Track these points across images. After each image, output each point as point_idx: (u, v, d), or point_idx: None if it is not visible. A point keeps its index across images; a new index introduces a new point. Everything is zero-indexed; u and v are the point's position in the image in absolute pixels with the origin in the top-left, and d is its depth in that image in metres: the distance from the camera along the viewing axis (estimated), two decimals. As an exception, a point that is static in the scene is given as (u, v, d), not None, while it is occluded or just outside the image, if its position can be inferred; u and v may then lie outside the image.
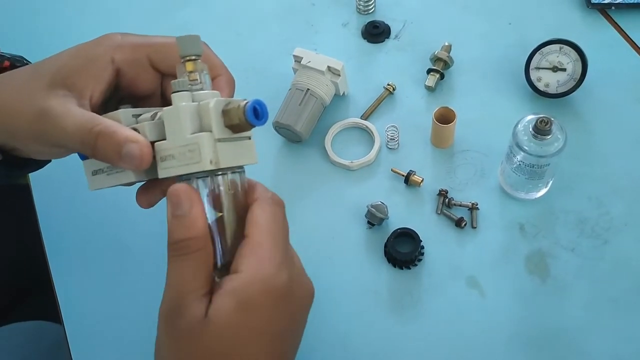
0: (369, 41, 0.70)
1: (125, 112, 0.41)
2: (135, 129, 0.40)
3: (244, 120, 0.37)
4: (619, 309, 0.52)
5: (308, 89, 0.61)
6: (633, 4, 0.67)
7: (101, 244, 0.60)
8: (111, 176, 0.42)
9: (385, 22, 0.70)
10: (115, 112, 0.42)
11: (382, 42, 0.70)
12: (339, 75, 0.62)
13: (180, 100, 0.39)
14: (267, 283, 0.37)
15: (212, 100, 0.38)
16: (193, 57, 0.39)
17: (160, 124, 0.40)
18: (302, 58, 0.62)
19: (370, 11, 0.72)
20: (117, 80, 0.44)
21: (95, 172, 0.43)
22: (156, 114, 0.41)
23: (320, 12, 0.73)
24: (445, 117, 0.59)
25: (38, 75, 0.42)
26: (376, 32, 0.69)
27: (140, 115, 0.42)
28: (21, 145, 0.45)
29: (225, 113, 0.38)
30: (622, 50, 0.66)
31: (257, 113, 0.38)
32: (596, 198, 0.58)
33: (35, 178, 0.63)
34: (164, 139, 0.39)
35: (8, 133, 0.44)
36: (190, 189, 0.37)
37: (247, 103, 0.38)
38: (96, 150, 0.39)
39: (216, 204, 0.39)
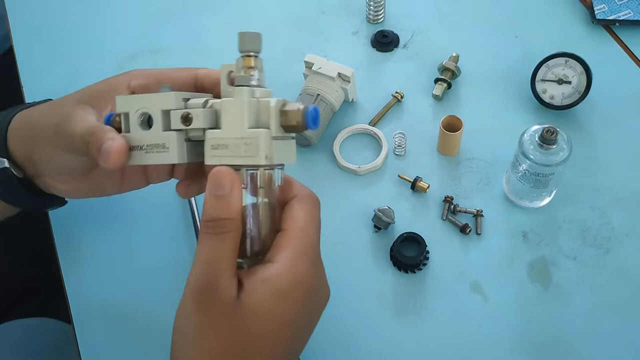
0: (378, 50, 0.71)
1: (177, 95, 0.43)
2: (187, 115, 0.42)
3: (301, 123, 0.40)
4: (619, 316, 0.53)
5: (318, 94, 0.62)
6: (637, 20, 0.69)
7: (111, 242, 0.61)
8: (150, 155, 0.44)
9: (394, 32, 0.72)
10: (166, 93, 0.43)
11: (391, 51, 0.71)
12: (349, 81, 0.63)
13: (242, 95, 0.40)
14: (300, 277, 0.39)
15: (273, 100, 0.40)
16: (252, 54, 0.41)
17: (213, 112, 0.42)
18: (312, 64, 0.64)
19: (379, 21, 0.73)
20: None
21: (132, 148, 0.45)
22: (207, 101, 0.42)
23: (331, 20, 0.75)
24: (452, 126, 0.60)
25: (70, 96, 0.49)
26: (385, 41, 0.71)
27: (189, 99, 0.43)
28: (40, 155, 0.49)
29: (283, 113, 0.40)
30: (625, 66, 0.68)
31: (314, 118, 0.40)
32: (598, 208, 0.59)
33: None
34: (215, 128, 0.41)
35: (31, 139, 0.49)
36: (234, 173, 0.39)
37: (306, 108, 0.40)
38: (88, 147, 0.44)
39: (254, 194, 0.40)
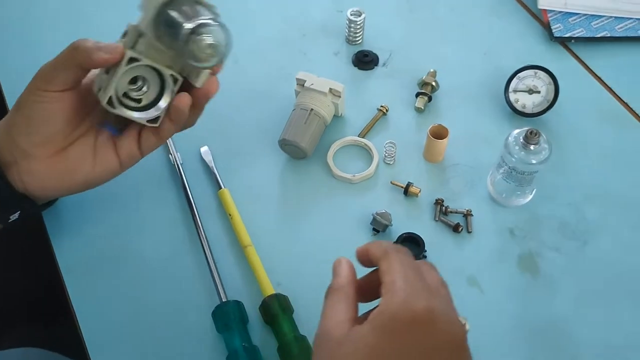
0: (359, 68, 0.76)
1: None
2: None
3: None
4: (602, 299, 0.59)
5: (312, 109, 0.66)
6: (589, 37, 0.77)
7: (115, 261, 0.62)
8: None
9: (374, 52, 0.77)
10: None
11: (372, 69, 0.76)
12: (340, 96, 0.67)
13: None
14: (396, 310, 0.39)
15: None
16: None
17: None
18: (305, 81, 0.67)
19: (358, 42, 0.78)
20: None
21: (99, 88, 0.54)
22: None
23: (311, 42, 0.79)
24: (438, 134, 0.65)
25: None
26: (366, 60, 0.76)
27: None
28: (15, 122, 0.54)
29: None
30: (582, 77, 0.75)
31: None
32: (573, 205, 0.65)
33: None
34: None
35: (5, 121, 0.55)
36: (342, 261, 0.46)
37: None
38: (78, 50, 0.51)
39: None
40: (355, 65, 0.76)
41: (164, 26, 0.51)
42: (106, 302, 0.59)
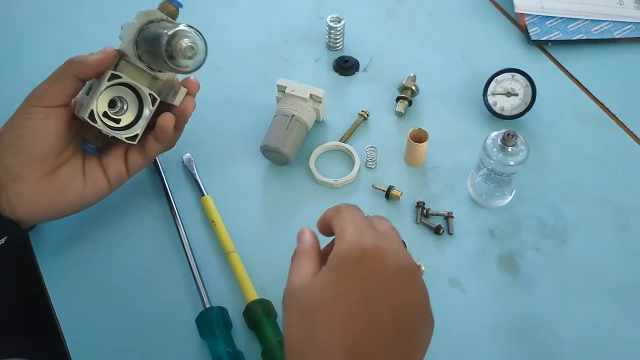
0: (340, 74, 0.77)
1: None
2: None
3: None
4: (580, 297, 0.60)
5: (293, 115, 0.67)
6: (565, 40, 0.78)
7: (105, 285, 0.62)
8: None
9: (354, 57, 0.78)
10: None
11: (353, 74, 0.77)
12: (321, 102, 0.68)
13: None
14: (348, 247, 0.43)
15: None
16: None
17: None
18: (285, 87, 0.68)
19: (338, 48, 0.79)
20: None
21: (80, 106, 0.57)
22: None
23: (293, 48, 0.80)
24: (418, 137, 0.66)
25: None
26: (347, 66, 0.76)
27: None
28: (5, 146, 0.55)
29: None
30: (559, 79, 0.76)
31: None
32: (552, 205, 0.66)
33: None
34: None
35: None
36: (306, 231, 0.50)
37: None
38: (73, 62, 0.55)
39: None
40: (336, 71, 0.77)
41: (144, 44, 0.55)
42: (90, 311, 0.59)
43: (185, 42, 0.53)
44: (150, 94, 0.58)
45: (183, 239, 0.62)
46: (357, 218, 0.45)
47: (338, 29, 0.76)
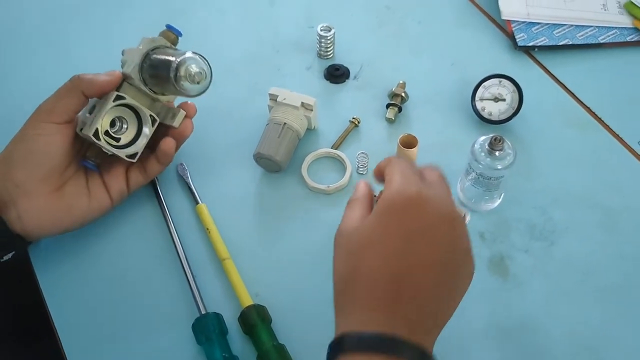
0: (331, 82, 0.78)
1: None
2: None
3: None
4: (570, 298, 0.61)
5: (285, 123, 0.68)
6: (551, 46, 0.79)
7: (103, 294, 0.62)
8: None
9: (345, 65, 0.79)
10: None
11: (343, 82, 0.78)
12: (312, 110, 0.69)
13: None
14: (394, 195, 0.46)
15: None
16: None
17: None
18: (277, 96, 0.69)
19: (329, 56, 0.80)
20: None
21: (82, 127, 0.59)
22: None
23: (284, 57, 0.81)
24: (408, 143, 0.67)
25: None
26: (337, 74, 0.78)
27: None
28: (16, 162, 0.57)
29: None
30: (546, 84, 0.78)
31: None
32: (540, 207, 0.67)
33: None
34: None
35: (4, 160, 0.57)
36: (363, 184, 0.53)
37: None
38: (81, 78, 0.57)
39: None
40: (327, 79, 0.78)
41: (150, 69, 0.59)
42: (87, 318, 0.60)
43: (194, 67, 0.57)
44: (150, 115, 0.61)
45: (178, 247, 0.63)
46: (405, 168, 0.48)
47: (328, 37, 0.78)
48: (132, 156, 0.62)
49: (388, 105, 0.74)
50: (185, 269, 0.61)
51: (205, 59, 0.59)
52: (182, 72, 0.56)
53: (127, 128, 0.61)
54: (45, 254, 0.64)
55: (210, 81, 0.60)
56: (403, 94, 0.73)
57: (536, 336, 0.58)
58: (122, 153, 0.61)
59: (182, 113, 0.63)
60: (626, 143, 0.71)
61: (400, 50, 0.82)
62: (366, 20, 0.85)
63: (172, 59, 0.57)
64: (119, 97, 0.59)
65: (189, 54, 0.58)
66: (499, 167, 0.60)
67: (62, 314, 0.61)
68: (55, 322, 0.60)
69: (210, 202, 0.67)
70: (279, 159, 0.66)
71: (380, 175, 0.51)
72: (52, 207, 0.58)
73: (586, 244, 0.64)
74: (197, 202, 0.66)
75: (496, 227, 0.65)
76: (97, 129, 0.58)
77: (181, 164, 0.69)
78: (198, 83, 0.58)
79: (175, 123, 0.63)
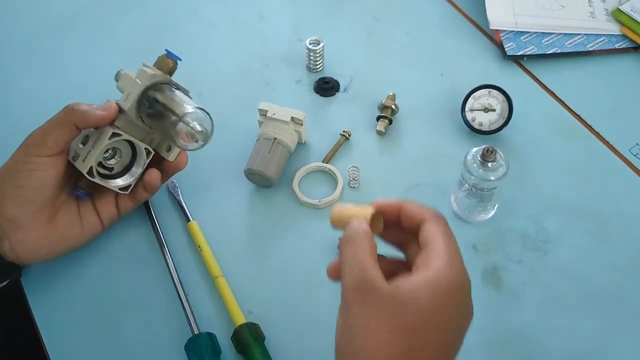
0: (321, 95, 0.78)
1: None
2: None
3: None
4: (564, 308, 0.60)
5: (275, 138, 0.67)
6: (540, 54, 0.80)
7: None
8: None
9: (334, 78, 0.79)
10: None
11: (333, 95, 0.78)
12: (302, 124, 0.69)
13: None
14: (454, 279, 0.41)
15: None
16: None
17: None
18: (267, 111, 0.69)
19: (319, 69, 0.80)
20: None
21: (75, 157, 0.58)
22: None
23: (274, 71, 0.81)
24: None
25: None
26: (327, 87, 0.77)
27: None
28: (10, 197, 0.55)
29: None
30: (535, 93, 0.78)
31: None
32: (533, 217, 0.67)
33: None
34: None
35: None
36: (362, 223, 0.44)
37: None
38: (74, 110, 0.55)
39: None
40: (316, 92, 0.78)
41: (146, 107, 0.57)
42: (78, 339, 0.60)
43: (197, 127, 0.55)
44: (145, 148, 0.60)
45: (170, 265, 0.63)
46: (450, 237, 0.44)
47: (317, 51, 0.78)
48: (125, 189, 0.61)
49: (378, 118, 0.73)
50: (178, 288, 0.61)
51: (207, 112, 0.56)
52: (184, 129, 0.54)
53: (120, 157, 0.60)
54: (36, 276, 0.63)
55: (211, 137, 0.57)
56: (393, 106, 0.73)
57: (530, 347, 0.58)
58: (114, 187, 0.60)
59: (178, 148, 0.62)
60: (616, 150, 0.71)
61: (390, 61, 0.82)
62: (355, 33, 0.85)
63: (174, 118, 0.54)
64: (114, 134, 0.57)
65: (191, 109, 0.54)
66: (492, 178, 0.60)
67: (53, 335, 0.60)
68: (46, 344, 0.59)
69: (202, 218, 0.66)
70: (270, 174, 0.66)
71: (411, 224, 0.45)
72: (45, 238, 0.58)
73: (579, 252, 0.64)
74: (188, 220, 0.66)
75: (489, 237, 0.65)
76: (91, 167, 0.57)
77: (172, 182, 0.69)
78: (199, 140, 0.56)
79: (171, 157, 0.62)
